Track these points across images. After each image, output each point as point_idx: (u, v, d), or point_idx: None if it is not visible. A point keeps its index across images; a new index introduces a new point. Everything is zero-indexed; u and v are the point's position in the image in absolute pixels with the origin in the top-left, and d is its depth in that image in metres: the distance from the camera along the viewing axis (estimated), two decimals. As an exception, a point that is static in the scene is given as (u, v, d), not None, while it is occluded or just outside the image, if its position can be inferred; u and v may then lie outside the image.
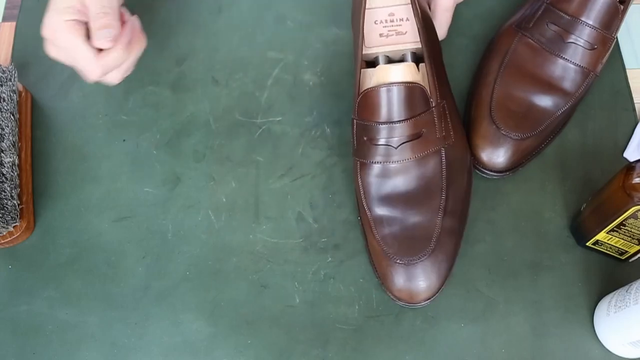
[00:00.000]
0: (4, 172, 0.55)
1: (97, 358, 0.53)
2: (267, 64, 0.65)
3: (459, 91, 0.62)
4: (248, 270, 0.56)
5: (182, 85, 0.64)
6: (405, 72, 0.51)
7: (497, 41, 0.61)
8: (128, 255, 0.57)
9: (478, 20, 0.66)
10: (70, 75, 0.65)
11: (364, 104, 0.52)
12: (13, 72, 0.60)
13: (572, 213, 0.57)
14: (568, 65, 0.57)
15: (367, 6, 0.56)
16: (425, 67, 0.53)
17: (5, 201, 0.54)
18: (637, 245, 0.51)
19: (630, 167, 0.48)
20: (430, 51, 0.53)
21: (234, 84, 0.64)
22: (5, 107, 0.58)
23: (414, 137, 0.52)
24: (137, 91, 0.64)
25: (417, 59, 0.56)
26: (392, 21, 0.56)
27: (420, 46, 0.54)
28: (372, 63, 0.56)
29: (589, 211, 0.53)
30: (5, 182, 0.55)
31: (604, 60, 0.57)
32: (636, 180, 0.47)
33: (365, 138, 0.53)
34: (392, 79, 0.51)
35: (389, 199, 0.53)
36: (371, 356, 0.53)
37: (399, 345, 0.53)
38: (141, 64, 0.65)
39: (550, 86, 0.57)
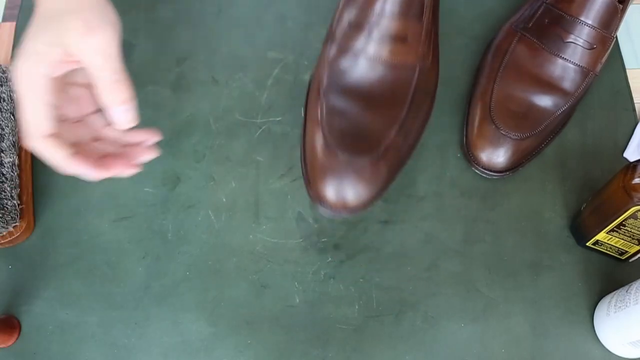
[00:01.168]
0: (4, 172, 0.55)
1: (97, 358, 0.53)
2: (267, 64, 0.65)
3: (459, 91, 0.63)
4: (248, 270, 0.56)
5: (182, 85, 0.64)
6: None
7: (496, 41, 0.61)
8: (128, 255, 0.57)
9: (478, 20, 0.66)
10: (70, 75, 0.65)
11: None
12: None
13: (572, 213, 0.57)
14: (567, 65, 0.57)
15: None
16: None
17: (5, 201, 0.54)
18: (637, 245, 0.51)
19: (630, 167, 0.48)
20: None
21: (234, 84, 0.64)
22: (5, 107, 0.58)
23: (398, 40, 0.50)
24: (137, 91, 0.64)
25: None
26: None
27: None
28: None
29: (589, 211, 0.53)
30: (5, 182, 0.55)
31: (604, 60, 0.57)
32: (636, 180, 0.47)
33: (348, 22, 0.50)
34: None
35: (353, 92, 0.51)
36: (371, 356, 0.53)
37: (399, 345, 0.53)
38: (141, 64, 0.65)
39: (549, 86, 0.57)
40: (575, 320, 0.54)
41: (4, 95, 0.58)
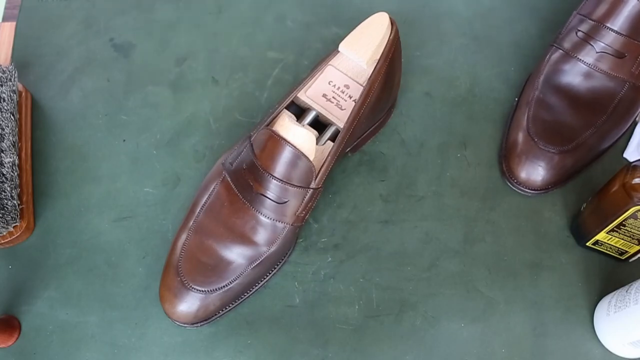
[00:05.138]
0: (4, 172, 0.55)
1: (97, 358, 0.53)
2: (267, 64, 0.65)
3: (458, 91, 0.63)
4: (248, 270, 0.56)
5: (182, 85, 0.64)
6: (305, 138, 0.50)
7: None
8: (128, 255, 0.57)
9: (478, 20, 0.66)
10: (70, 75, 0.65)
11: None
12: (13, 72, 0.60)
13: (572, 213, 0.57)
14: (595, 73, 0.57)
15: (332, 62, 0.57)
16: (331, 148, 0.53)
17: (5, 201, 0.54)
18: (637, 245, 0.51)
19: (630, 167, 0.48)
20: (344, 142, 0.53)
21: (234, 84, 0.64)
22: (5, 107, 0.58)
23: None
24: (137, 91, 0.64)
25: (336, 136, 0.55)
26: (342, 92, 0.56)
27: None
28: (300, 108, 0.56)
29: (589, 211, 0.53)
30: (5, 182, 0.55)
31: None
32: (636, 180, 0.47)
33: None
34: (288, 137, 0.49)
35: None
36: (371, 356, 0.53)
37: (399, 345, 0.53)
38: (141, 64, 0.65)
39: (586, 103, 0.57)
40: (575, 320, 0.54)
41: (4, 95, 0.58)
